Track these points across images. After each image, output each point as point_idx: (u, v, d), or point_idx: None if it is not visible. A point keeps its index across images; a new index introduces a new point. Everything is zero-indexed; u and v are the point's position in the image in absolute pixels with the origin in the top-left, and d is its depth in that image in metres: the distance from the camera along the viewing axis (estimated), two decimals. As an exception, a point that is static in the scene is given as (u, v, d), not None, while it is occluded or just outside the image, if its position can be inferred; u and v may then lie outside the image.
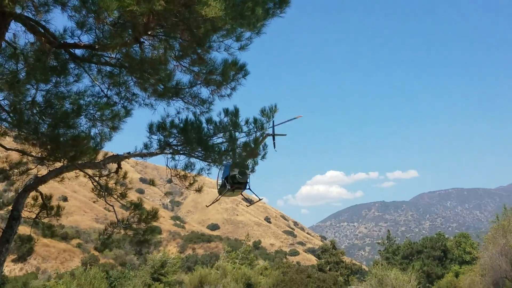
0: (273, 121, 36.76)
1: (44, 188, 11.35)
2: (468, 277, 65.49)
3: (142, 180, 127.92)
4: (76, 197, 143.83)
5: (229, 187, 34.53)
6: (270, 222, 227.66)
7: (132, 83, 9.50)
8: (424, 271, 74.66)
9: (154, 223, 11.59)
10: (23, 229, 14.20)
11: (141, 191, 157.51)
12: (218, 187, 35.58)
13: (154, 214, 11.49)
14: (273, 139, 36.61)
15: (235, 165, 34.81)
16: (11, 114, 9.92)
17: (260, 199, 39.95)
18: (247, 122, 10.62)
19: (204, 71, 9.07)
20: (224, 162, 34.94)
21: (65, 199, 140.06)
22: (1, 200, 13.80)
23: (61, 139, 9.28)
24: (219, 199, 39.81)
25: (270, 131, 10.90)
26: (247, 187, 33.68)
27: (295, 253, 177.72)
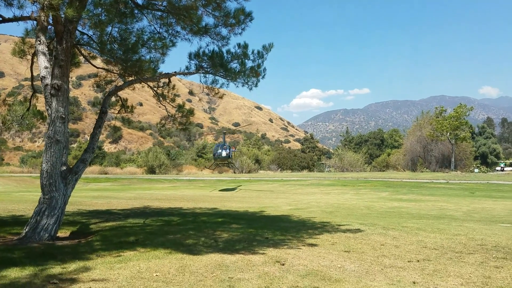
0: (224, 133, 36.29)
1: (125, 95, 11.32)
2: (395, 156, 66.56)
3: (190, 93, 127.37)
4: (148, 103, 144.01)
5: (228, 157, 35.64)
6: (272, 122, 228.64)
7: (175, 23, 9.18)
8: (368, 152, 75.68)
9: (192, 118, 11.56)
10: (115, 123, 14.28)
11: (189, 100, 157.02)
12: (218, 156, 36.10)
13: (191, 111, 11.48)
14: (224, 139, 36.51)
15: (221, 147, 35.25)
16: (98, 44, 9.70)
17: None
18: (253, 52, 10.26)
19: (222, 15, 8.74)
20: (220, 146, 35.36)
21: (140, 104, 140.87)
22: (98, 100, 13.72)
23: (129, 61, 9.13)
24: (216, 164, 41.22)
25: (262, 60, 10.28)
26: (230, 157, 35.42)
27: (287, 141, 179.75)
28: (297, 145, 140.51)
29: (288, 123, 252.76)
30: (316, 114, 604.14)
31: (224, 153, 34.44)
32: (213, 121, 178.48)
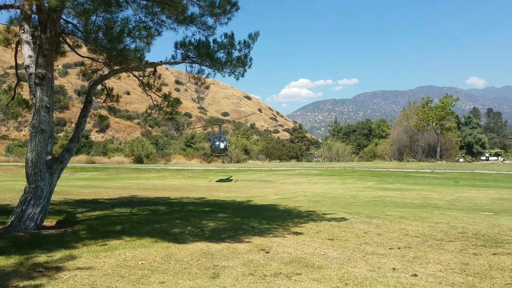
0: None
1: (112, 84, 11.26)
2: (382, 146, 67.26)
3: (177, 82, 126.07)
4: (136, 92, 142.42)
5: (224, 150, 35.72)
6: (261, 112, 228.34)
7: (160, 12, 9.11)
8: (356, 142, 76.26)
9: (179, 107, 11.54)
10: (102, 112, 14.21)
11: (177, 90, 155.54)
12: (213, 150, 36.14)
13: (178, 101, 11.45)
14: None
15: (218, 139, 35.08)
16: (83, 33, 9.59)
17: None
18: (239, 42, 10.23)
19: (207, 4, 8.70)
20: (216, 140, 35.23)
21: (128, 93, 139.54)
22: (84, 89, 13.61)
23: (114, 50, 9.07)
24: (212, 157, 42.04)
25: (248, 50, 10.23)
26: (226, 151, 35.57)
27: (276, 131, 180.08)
28: (286, 135, 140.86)
29: (277, 113, 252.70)
30: (305, 104, 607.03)
31: (222, 145, 34.39)
32: (202, 110, 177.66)
